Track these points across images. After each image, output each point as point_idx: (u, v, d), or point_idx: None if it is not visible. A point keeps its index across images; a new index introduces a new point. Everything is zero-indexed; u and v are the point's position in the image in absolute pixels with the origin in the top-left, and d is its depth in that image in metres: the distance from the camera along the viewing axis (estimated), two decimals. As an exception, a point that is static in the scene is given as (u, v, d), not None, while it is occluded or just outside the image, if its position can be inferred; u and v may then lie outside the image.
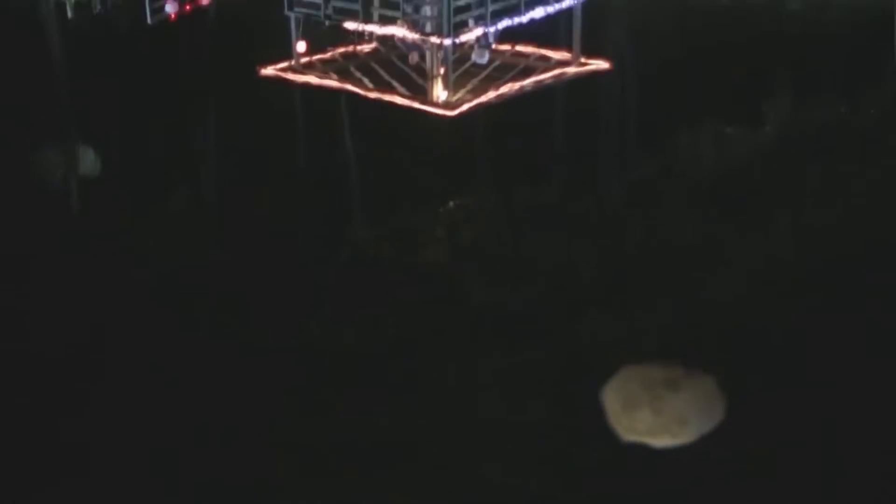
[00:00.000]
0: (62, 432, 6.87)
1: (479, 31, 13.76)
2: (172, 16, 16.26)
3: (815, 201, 9.27)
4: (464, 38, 13.62)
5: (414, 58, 13.49)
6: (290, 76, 13.11)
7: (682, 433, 6.38)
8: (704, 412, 6.42)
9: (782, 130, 11.09)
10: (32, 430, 6.85)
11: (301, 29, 14.65)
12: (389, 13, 14.23)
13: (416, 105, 11.93)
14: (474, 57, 13.22)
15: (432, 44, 13.48)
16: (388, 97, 12.14)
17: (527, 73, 13.02)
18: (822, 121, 11.25)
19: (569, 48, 13.90)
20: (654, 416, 6.47)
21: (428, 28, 14.01)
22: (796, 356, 7.01)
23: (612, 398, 6.63)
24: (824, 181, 9.65)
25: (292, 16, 14.77)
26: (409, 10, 14.40)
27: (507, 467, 6.75)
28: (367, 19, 14.20)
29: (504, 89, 12.42)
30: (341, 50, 13.86)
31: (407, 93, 12.20)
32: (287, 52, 13.59)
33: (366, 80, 12.63)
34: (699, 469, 6.32)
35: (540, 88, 12.63)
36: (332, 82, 12.75)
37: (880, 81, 12.54)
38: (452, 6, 13.56)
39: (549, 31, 14.50)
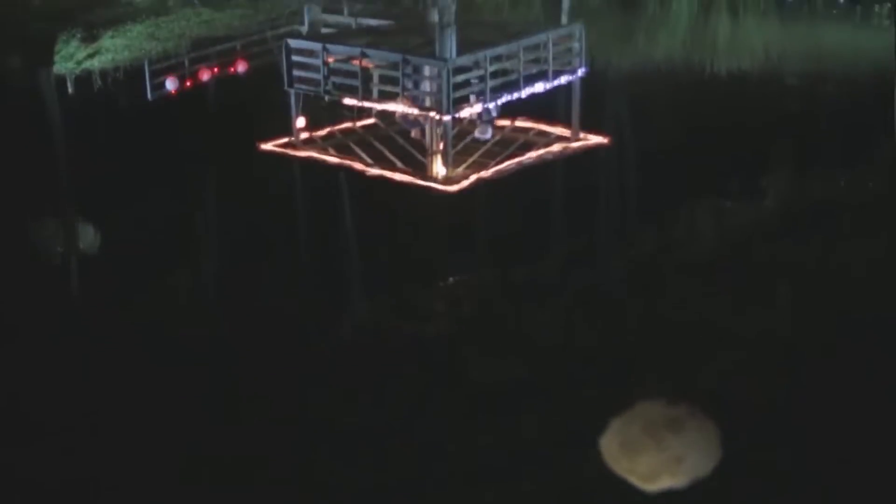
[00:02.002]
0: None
1: (478, 107, 13.89)
2: (173, 91, 16.41)
3: (815, 276, 9.23)
4: (463, 113, 13.75)
5: (417, 133, 13.57)
6: (290, 152, 13.17)
7: (679, 473, 6.27)
8: (703, 454, 6.33)
9: (782, 204, 11.09)
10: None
11: (301, 105, 14.78)
12: (389, 89, 14.40)
13: (416, 180, 11.97)
14: (477, 133, 13.32)
15: (431, 119, 13.59)
16: (387, 173, 12.18)
17: (526, 148, 13.09)
18: (822, 195, 11.27)
19: (568, 123, 14.00)
20: (655, 456, 6.37)
21: (427, 103, 14.14)
22: (796, 431, 6.92)
23: (613, 440, 6.53)
24: (824, 255, 9.61)
25: (292, 92, 14.91)
26: (409, 85, 14.57)
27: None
28: (367, 95, 14.34)
29: (503, 164, 12.47)
30: (341, 126, 13.95)
31: (406, 168, 12.24)
32: (287, 128, 13.65)
33: (365, 156, 12.68)
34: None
35: (539, 163, 12.69)
36: (332, 158, 12.81)
37: (880, 155, 12.60)
38: (452, 82, 13.72)
39: (548, 107, 14.63)
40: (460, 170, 12.06)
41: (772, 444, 6.92)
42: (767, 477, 6.57)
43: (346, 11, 26.01)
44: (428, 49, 14.71)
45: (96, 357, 8.05)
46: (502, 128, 13.59)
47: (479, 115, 13.54)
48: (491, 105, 13.60)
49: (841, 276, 9.24)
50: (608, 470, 6.72)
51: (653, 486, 6.44)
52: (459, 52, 14.42)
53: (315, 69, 15.45)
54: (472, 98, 13.99)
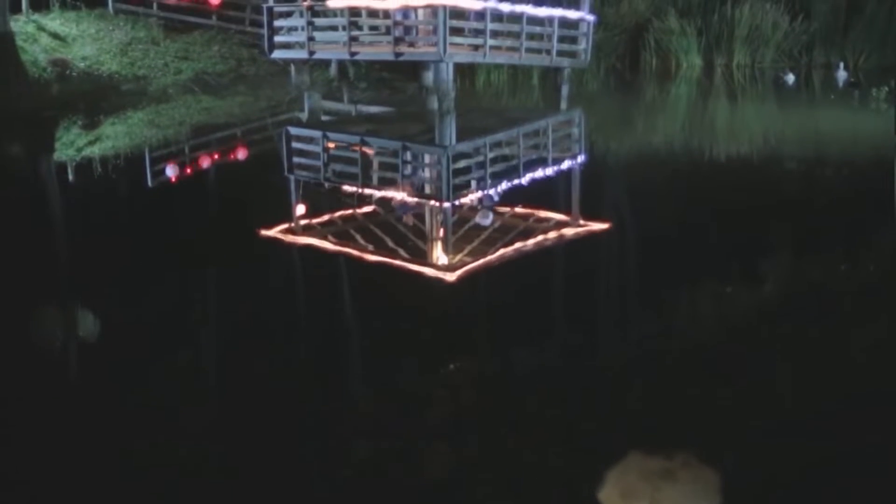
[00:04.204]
0: None
1: (478, 194, 13.95)
2: (173, 178, 16.48)
3: (817, 360, 9.11)
4: (463, 200, 13.80)
5: (409, 219, 13.66)
6: (290, 238, 13.14)
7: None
8: (701, 502, 6.16)
9: (782, 289, 11.01)
10: None
11: (301, 191, 14.85)
12: (388, 175, 14.50)
13: (416, 267, 11.90)
14: (478, 219, 13.38)
15: (431, 206, 13.63)
16: (387, 259, 12.13)
17: (526, 234, 13.06)
18: (822, 278, 11.19)
19: (568, 209, 14.02)
20: (653, 506, 6.20)
21: (427, 190, 14.21)
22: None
23: (611, 490, 6.35)
24: (826, 340, 9.51)
25: (292, 178, 15.00)
26: (408, 172, 14.70)
27: None
28: (367, 182, 14.42)
29: (504, 250, 12.42)
30: (341, 212, 13.97)
31: (406, 255, 12.19)
32: (287, 215, 13.65)
33: (365, 243, 12.64)
34: None
35: (540, 249, 12.64)
36: (332, 244, 12.77)
37: (880, 238, 12.57)
38: (452, 168, 13.82)
39: (548, 193, 14.68)
40: (460, 256, 12.00)
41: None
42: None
43: (346, 99, 26.37)
44: (428, 136, 14.87)
45: (94, 443, 7.87)
46: (502, 214, 13.59)
47: (480, 200, 13.62)
48: (491, 191, 13.68)
49: (843, 361, 9.14)
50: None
51: None
52: (459, 139, 14.57)
53: (315, 156, 15.64)
54: (473, 184, 14.08)
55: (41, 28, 28.32)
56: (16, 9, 28.19)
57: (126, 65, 28.00)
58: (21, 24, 27.79)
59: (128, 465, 7.44)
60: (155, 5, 31.72)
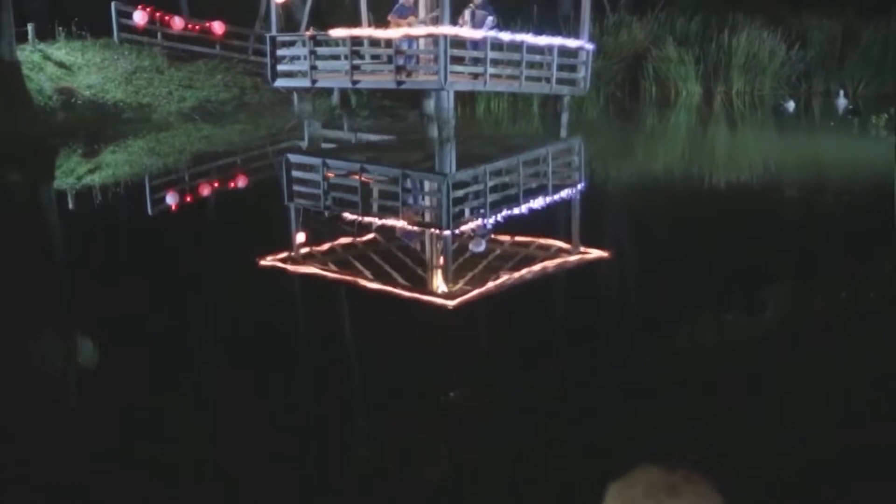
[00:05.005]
0: None
1: (478, 222, 13.96)
2: (173, 206, 16.51)
3: (818, 388, 9.09)
4: (463, 228, 13.80)
5: (415, 245, 13.66)
6: (290, 267, 13.13)
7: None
8: None
9: (782, 316, 10.99)
10: None
11: (300, 219, 14.86)
12: (388, 204, 14.51)
13: (416, 295, 11.88)
14: (471, 247, 13.38)
15: (431, 234, 13.64)
16: (387, 288, 12.11)
17: (526, 262, 13.05)
18: (823, 306, 11.17)
19: (568, 237, 14.01)
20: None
21: (427, 218, 14.21)
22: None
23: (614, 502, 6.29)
24: (827, 367, 9.48)
25: (292, 206, 15.01)
26: (409, 200, 14.71)
27: None
28: (367, 210, 14.42)
29: (504, 278, 12.40)
30: (341, 240, 13.97)
31: (406, 283, 12.18)
32: (286, 243, 13.63)
33: (365, 271, 12.64)
34: None
35: (540, 277, 12.62)
36: (332, 273, 12.76)
37: (880, 265, 12.56)
38: (451, 197, 13.83)
39: (548, 221, 14.68)
40: (461, 284, 12.00)
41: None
42: None
43: (346, 126, 26.45)
44: (428, 164, 14.89)
45: (92, 474, 7.83)
46: (502, 242, 13.59)
47: (474, 229, 13.64)
48: (487, 219, 13.70)
49: (845, 389, 9.12)
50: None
51: None
52: (459, 167, 14.60)
53: (315, 184, 15.67)
54: (473, 212, 14.09)
55: (47, 57, 28.53)
56: (22, 38, 28.41)
57: (130, 93, 28.18)
58: (27, 54, 28.01)
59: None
60: (159, 35, 31.93)
